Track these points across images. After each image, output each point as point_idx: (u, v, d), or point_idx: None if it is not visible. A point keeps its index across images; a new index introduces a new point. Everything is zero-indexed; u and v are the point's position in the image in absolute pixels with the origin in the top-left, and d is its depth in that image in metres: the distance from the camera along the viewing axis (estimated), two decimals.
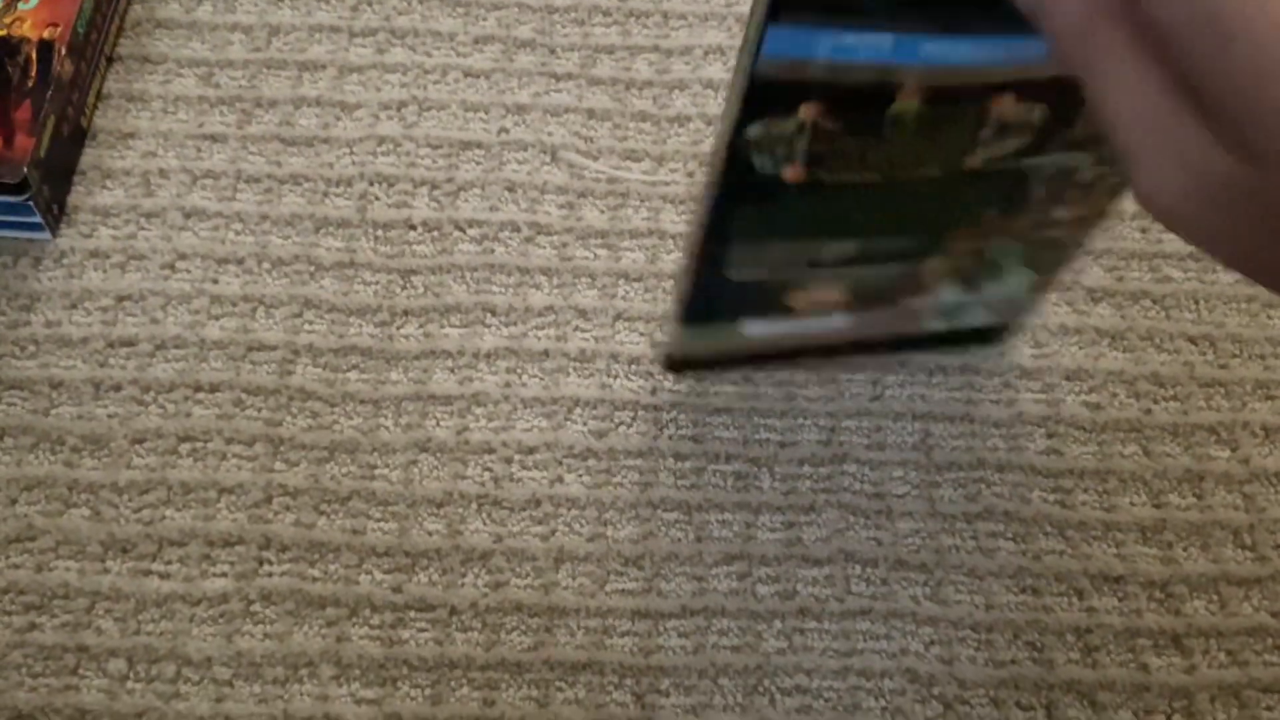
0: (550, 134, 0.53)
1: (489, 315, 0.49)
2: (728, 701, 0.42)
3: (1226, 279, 0.51)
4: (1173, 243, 0.52)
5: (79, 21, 0.51)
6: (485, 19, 0.56)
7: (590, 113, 0.54)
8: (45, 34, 0.50)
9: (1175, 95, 0.21)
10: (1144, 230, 0.52)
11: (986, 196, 0.38)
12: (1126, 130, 0.22)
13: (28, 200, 0.47)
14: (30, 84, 0.49)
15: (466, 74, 0.55)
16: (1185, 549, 0.46)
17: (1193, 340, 0.50)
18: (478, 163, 0.53)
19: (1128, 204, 0.53)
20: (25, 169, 0.47)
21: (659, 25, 0.57)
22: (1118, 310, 0.51)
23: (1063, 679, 0.43)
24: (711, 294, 0.41)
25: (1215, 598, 0.45)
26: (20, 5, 0.51)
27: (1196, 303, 0.51)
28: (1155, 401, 0.49)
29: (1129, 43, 0.21)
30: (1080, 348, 0.50)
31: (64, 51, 0.50)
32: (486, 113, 0.54)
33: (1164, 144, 0.21)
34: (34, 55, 0.49)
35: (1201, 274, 0.51)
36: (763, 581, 0.45)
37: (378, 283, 0.50)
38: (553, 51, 0.56)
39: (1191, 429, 0.48)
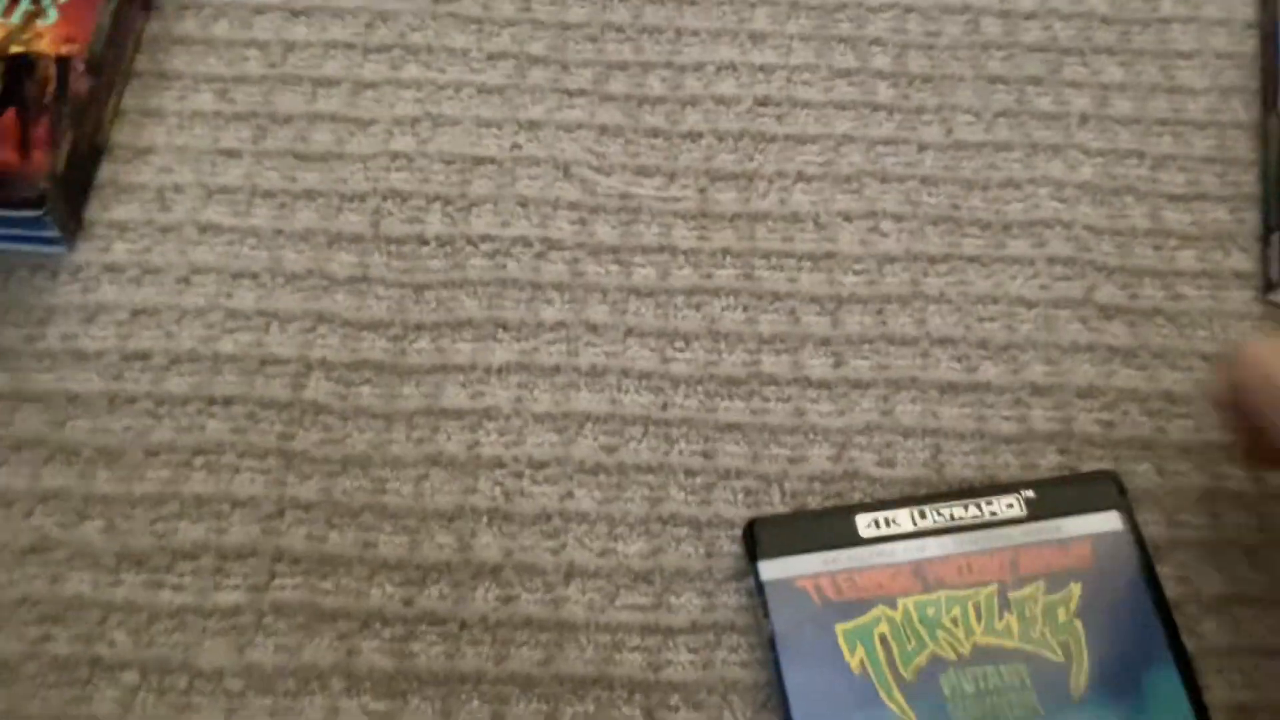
0: (562, 150, 0.54)
1: (500, 330, 0.49)
2: (737, 718, 0.42)
3: (1240, 296, 0.51)
4: (1186, 260, 0.52)
5: (97, 38, 0.51)
6: (498, 35, 0.57)
7: (602, 129, 0.54)
8: (63, 50, 0.51)
9: None
10: (1157, 247, 0.52)
11: None
12: None
13: (44, 215, 0.48)
14: (48, 100, 0.49)
15: (480, 90, 0.55)
16: (1199, 568, 0.46)
17: (1206, 358, 0.50)
18: (490, 178, 0.53)
19: (1139, 220, 0.53)
20: (42, 184, 0.48)
21: (671, 41, 0.57)
22: (1131, 327, 0.50)
23: None
24: None
25: (1229, 618, 0.45)
26: (39, 22, 0.51)
27: (1210, 320, 0.51)
28: (1168, 419, 0.49)
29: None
30: (1093, 365, 0.50)
31: (82, 68, 0.50)
32: (499, 129, 0.54)
33: None
34: (52, 72, 0.50)
35: (1215, 291, 0.51)
36: None
37: (390, 297, 0.50)
38: (565, 68, 0.56)
39: (1204, 447, 0.48)
